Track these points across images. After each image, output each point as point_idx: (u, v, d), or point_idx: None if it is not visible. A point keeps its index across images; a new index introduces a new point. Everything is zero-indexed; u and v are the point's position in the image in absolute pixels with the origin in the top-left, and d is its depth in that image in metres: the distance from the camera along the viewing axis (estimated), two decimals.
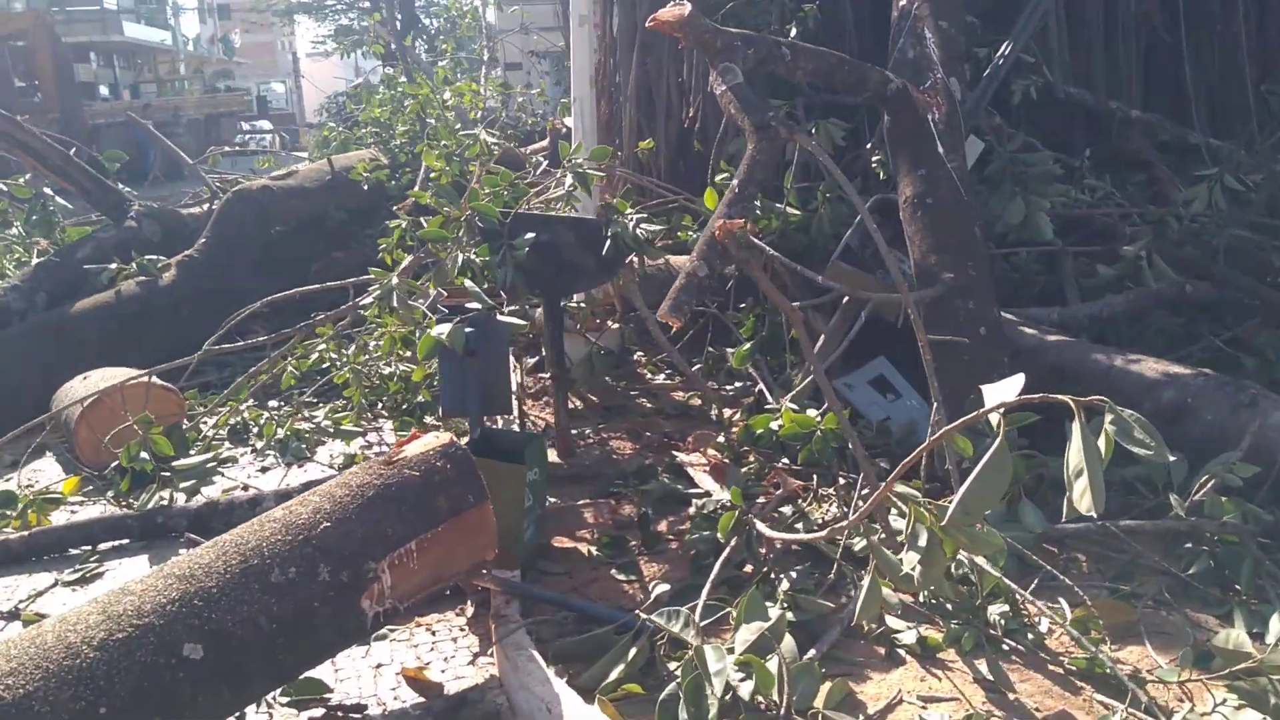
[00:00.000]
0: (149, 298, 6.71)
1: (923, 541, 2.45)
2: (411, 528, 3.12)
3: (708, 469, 4.37)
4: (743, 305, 5.66)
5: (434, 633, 3.47)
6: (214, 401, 5.66)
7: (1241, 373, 4.79)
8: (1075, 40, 7.62)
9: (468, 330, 3.77)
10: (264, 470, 5.07)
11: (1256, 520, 3.38)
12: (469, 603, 3.56)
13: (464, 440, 3.47)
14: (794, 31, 5.97)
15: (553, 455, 4.71)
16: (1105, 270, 5.31)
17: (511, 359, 4.04)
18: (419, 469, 3.21)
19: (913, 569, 2.50)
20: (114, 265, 6.82)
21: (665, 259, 5.93)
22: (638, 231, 4.30)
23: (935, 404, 4.15)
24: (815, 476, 4.19)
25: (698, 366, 5.55)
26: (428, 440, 3.31)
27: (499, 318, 3.89)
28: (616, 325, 6.05)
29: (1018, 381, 2.16)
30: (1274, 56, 8.85)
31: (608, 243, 4.32)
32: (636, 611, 3.15)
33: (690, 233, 5.70)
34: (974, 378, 4.13)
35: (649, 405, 5.54)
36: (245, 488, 4.67)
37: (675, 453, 4.68)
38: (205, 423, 5.50)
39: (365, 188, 7.88)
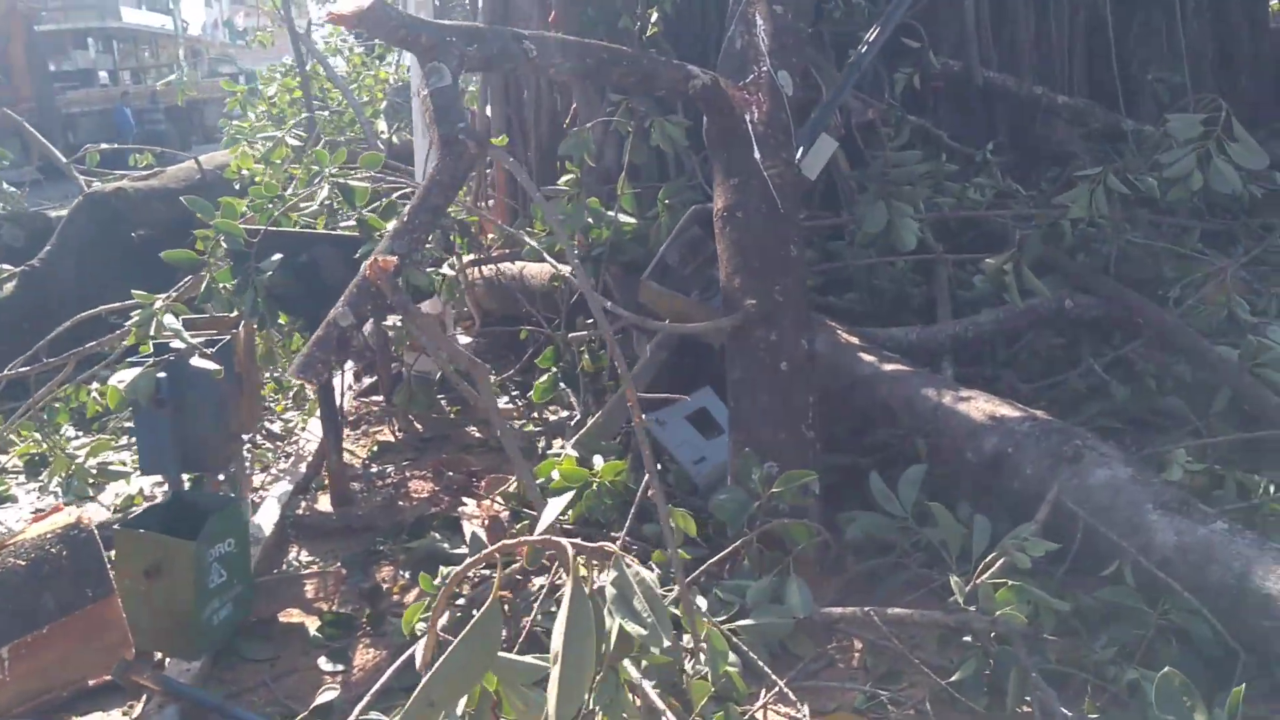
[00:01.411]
0: None
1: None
2: (3, 631, 2.61)
3: (484, 523, 3.83)
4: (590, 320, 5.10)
5: None
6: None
7: (1111, 405, 4.21)
8: (1001, 20, 6.98)
9: (159, 376, 3.25)
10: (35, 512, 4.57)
11: (1046, 612, 2.79)
12: (134, 701, 3.04)
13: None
14: (654, 16, 5.41)
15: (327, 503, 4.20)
16: (980, 283, 4.70)
17: (233, 400, 3.50)
18: (27, 557, 2.69)
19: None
20: None
21: (523, 268, 5.42)
22: None
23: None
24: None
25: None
26: (56, 519, 2.79)
27: (197, 362, 3.35)
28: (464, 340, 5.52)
29: None
30: (1233, 39, 8.20)
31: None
32: None
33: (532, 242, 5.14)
34: (770, 419, 3.64)
35: (477, 434, 5.00)
36: None
37: (467, 500, 4.15)
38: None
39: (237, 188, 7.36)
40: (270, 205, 4.14)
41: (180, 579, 3.04)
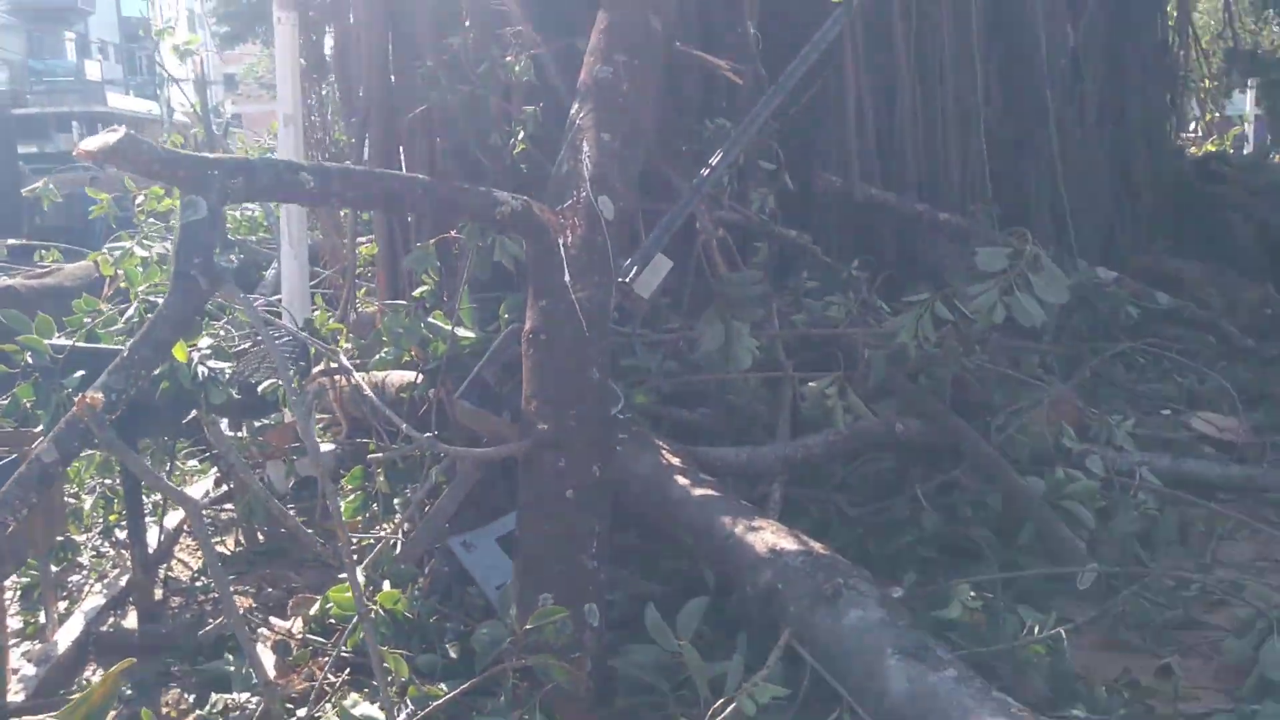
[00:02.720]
0: None
1: None
2: None
3: (272, 646, 3.79)
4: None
5: None
6: None
7: (924, 533, 4.22)
8: (889, 135, 7.12)
9: None
10: None
11: None
12: None
13: None
14: (521, 134, 5.49)
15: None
16: (804, 407, 4.72)
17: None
18: None
19: None
20: None
21: (385, 376, 5.42)
22: (200, 369, 3.76)
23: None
24: None
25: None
26: None
27: None
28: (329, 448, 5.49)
29: None
30: (1132, 155, 8.36)
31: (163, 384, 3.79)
32: None
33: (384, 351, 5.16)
34: (551, 547, 3.62)
35: (313, 548, 4.95)
36: None
37: (275, 619, 4.10)
38: None
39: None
40: (88, 320, 4.17)
41: None
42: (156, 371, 3.93)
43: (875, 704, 2.86)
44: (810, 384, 4.53)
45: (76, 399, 2.58)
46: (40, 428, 3.92)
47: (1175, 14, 9.18)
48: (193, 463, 5.98)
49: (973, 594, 3.53)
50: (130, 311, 4.16)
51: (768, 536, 3.61)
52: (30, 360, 3.91)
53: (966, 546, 4.28)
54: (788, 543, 3.55)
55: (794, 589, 3.32)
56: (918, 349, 4.80)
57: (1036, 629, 3.29)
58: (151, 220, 6.85)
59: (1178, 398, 5.89)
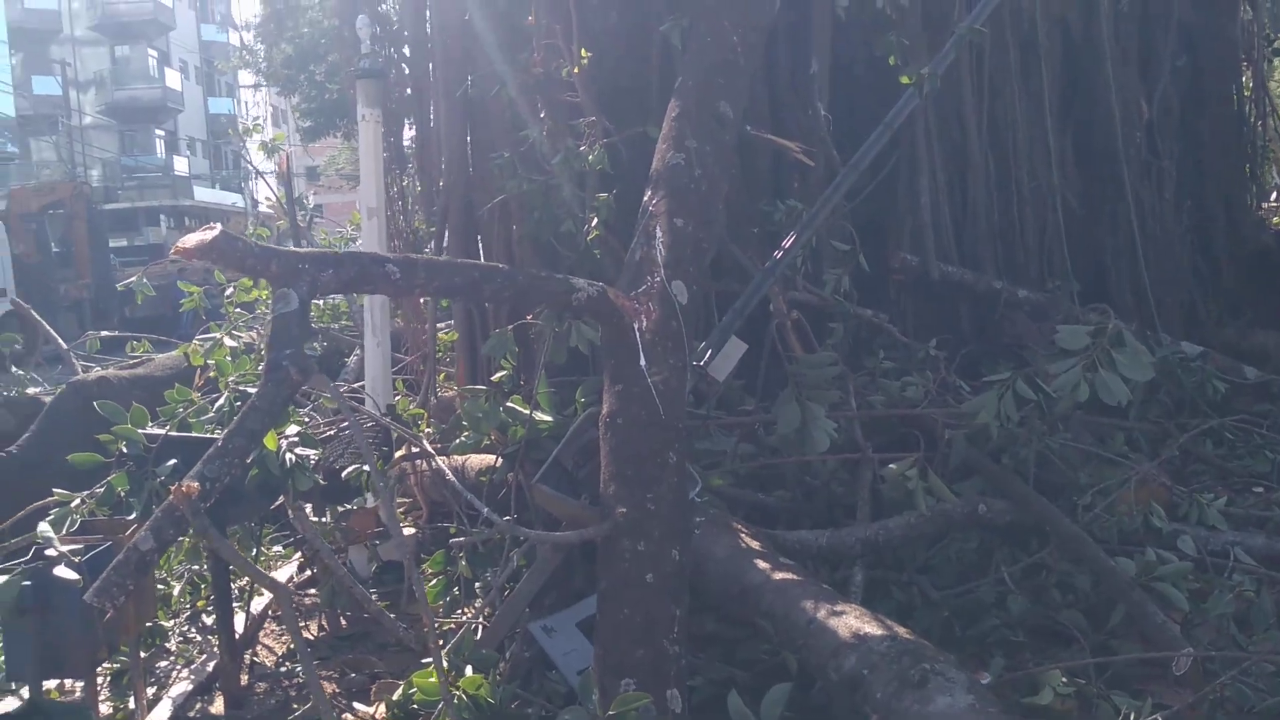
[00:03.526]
0: None
1: None
2: None
3: None
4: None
5: None
6: None
7: (1010, 616, 4.12)
8: (964, 213, 7.10)
9: (24, 584, 3.33)
10: None
11: None
12: None
13: None
14: (595, 221, 5.59)
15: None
16: (885, 489, 4.68)
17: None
18: None
19: None
20: None
21: (465, 460, 5.48)
22: (288, 456, 3.85)
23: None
24: None
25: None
26: None
27: (60, 571, 3.44)
28: (410, 532, 5.55)
29: None
30: (1211, 226, 8.23)
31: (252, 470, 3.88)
32: None
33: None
34: (631, 632, 3.60)
35: (395, 633, 4.99)
36: None
37: (358, 706, 4.12)
38: None
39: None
40: (181, 409, 4.30)
41: None
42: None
43: None
44: (890, 466, 4.49)
45: (173, 488, 2.65)
46: (134, 515, 4.02)
47: (1250, 84, 9.08)
48: (277, 548, 6.07)
49: (1064, 679, 3.44)
50: (221, 401, 4.28)
51: (851, 621, 3.56)
52: (125, 449, 4.03)
53: (1054, 630, 4.18)
54: (872, 627, 3.49)
55: (879, 675, 3.26)
56: (999, 428, 4.75)
57: (1132, 716, 3.19)
58: (238, 310, 7.04)
59: (1269, 474, 5.72)
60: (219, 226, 3.06)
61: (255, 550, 5.30)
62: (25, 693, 4.19)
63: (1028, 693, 3.43)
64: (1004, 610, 4.17)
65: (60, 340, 8.56)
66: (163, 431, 4.13)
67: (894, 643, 3.39)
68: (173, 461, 3.93)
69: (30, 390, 8.44)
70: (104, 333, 8.22)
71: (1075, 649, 3.99)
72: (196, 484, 2.65)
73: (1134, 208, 7.34)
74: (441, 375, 7.20)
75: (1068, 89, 7.43)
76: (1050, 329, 6.69)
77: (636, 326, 4.09)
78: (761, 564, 4.10)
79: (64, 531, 4.09)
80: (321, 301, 8.83)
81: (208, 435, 4.36)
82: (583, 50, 5.46)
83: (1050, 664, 3.58)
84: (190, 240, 3.03)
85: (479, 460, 5.28)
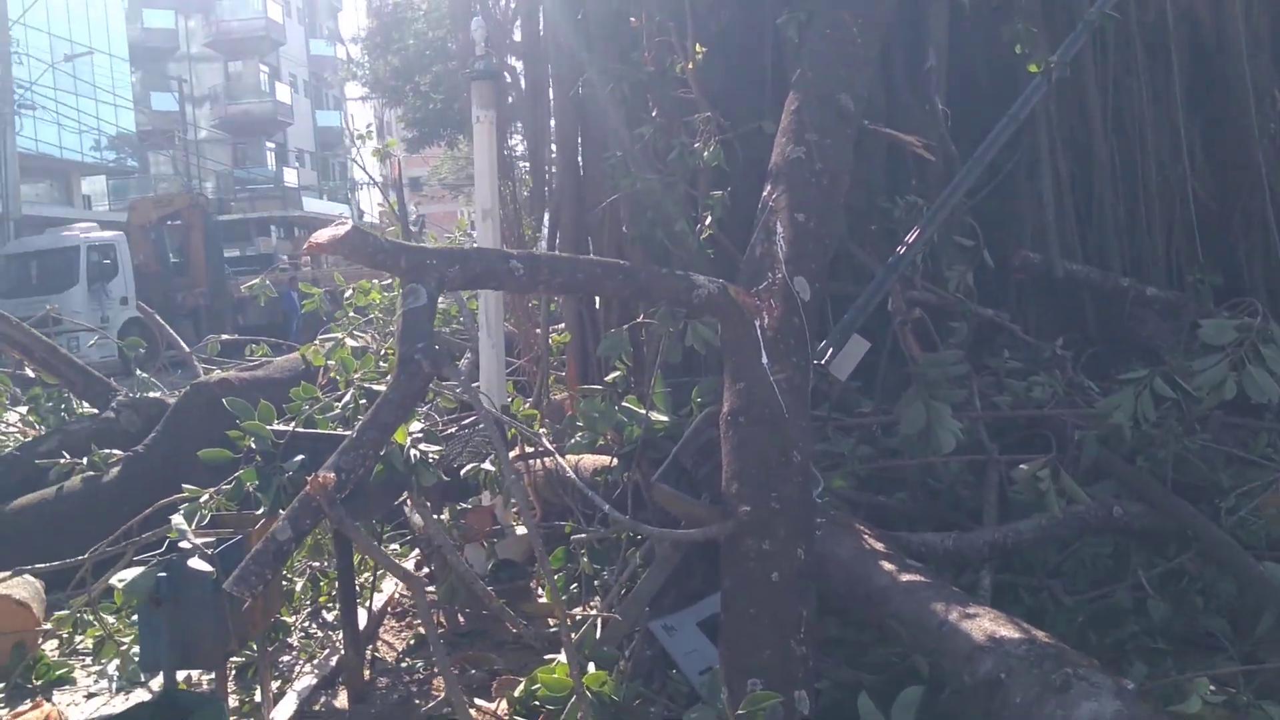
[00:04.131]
0: (92, 494, 6.63)
1: None
2: None
3: None
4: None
5: None
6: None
7: (1151, 622, 3.95)
8: (1088, 210, 6.88)
9: (160, 576, 3.39)
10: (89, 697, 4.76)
11: None
12: None
13: None
14: (709, 219, 5.53)
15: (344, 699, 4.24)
16: (1014, 491, 4.52)
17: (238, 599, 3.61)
18: None
19: None
20: (64, 459, 6.79)
21: (578, 460, 5.48)
22: (413, 453, 3.87)
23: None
24: None
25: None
26: (29, 717, 2.92)
27: (193, 563, 3.49)
28: (522, 530, 5.56)
29: None
30: None
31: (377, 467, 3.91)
32: None
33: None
34: (757, 632, 3.53)
35: (517, 630, 4.99)
36: None
37: (479, 702, 4.13)
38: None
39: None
40: (306, 406, 4.36)
41: None
42: None
43: None
44: (1021, 467, 4.33)
45: (309, 479, 2.67)
46: (262, 510, 4.09)
47: None
48: (394, 546, 6.14)
49: (1212, 688, 3.27)
50: (346, 398, 4.33)
51: (985, 624, 3.44)
52: (253, 445, 4.09)
53: (1196, 638, 4.00)
54: (1008, 630, 3.37)
55: (1018, 679, 3.14)
56: (1134, 429, 4.56)
57: None
58: (353, 314, 7.15)
59: None
60: (350, 222, 3.09)
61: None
62: (157, 684, 4.30)
63: (1173, 700, 3.27)
64: (1143, 616, 4.01)
65: (183, 344, 8.82)
66: (290, 428, 4.19)
67: (1033, 646, 3.26)
68: (300, 457, 3.98)
69: (153, 394, 8.68)
70: (224, 336, 8.45)
71: (1220, 657, 3.80)
72: (332, 475, 2.67)
73: (1269, 201, 7.01)
74: (552, 379, 7.21)
75: (1196, 80, 7.13)
76: (1181, 328, 6.48)
77: (758, 323, 4.03)
78: (888, 565, 4.00)
79: (194, 526, 4.17)
80: None
81: (334, 431, 4.42)
82: (696, 46, 5.41)
83: (1196, 672, 3.40)
84: (323, 235, 3.06)
85: (593, 460, 5.26)
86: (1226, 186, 7.07)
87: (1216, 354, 3.90)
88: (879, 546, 4.18)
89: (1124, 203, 6.81)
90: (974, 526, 4.61)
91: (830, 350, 4.56)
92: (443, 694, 4.34)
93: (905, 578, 3.89)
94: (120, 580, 3.37)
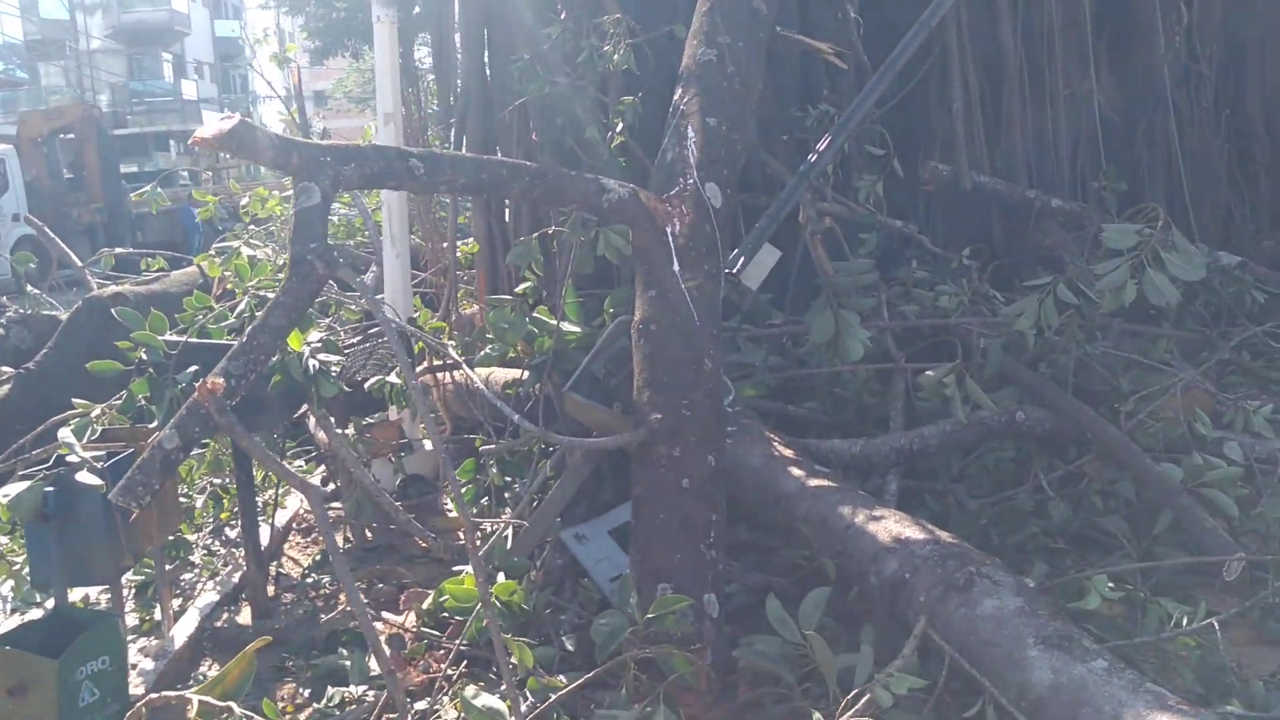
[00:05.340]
0: None
1: None
2: None
3: (386, 641, 3.75)
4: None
5: None
6: None
7: (1052, 524, 4.04)
8: (997, 123, 6.90)
9: (46, 490, 3.26)
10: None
11: None
12: None
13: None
14: (620, 126, 5.42)
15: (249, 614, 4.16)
16: (918, 397, 4.57)
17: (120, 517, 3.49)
18: None
19: None
20: None
21: (489, 374, 5.39)
22: (311, 362, 3.75)
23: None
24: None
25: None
26: None
27: (82, 477, 3.36)
28: (429, 445, 5.48)
29: None
30: (1250, 139, 7.99)
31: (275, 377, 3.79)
32: None
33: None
34: (667, 537, 3.52)
35: (426, 544, 4.93)
36: None
37: (388, 614, 4.07)
38: None
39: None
40: (200, 317, 4.20)
41: (44, 698, 3.01)
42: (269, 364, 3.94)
43: (1017, 696, 2.71)
44: (927, 373, 4.36)
45: (198, 385, 2.55)
46: (155, 423, 3.95)
47: None
48: (298, 463, 6.01)
49: (1110, 585, 3.36)
50: (241, 306, 4.18)
51: (891, 525, 3.48)
52: (144, 357, 3.94)
53: (1095, 538, 4.10)
54: (913, 531, 3.41)
55: (923, 578, 3.18)
56: (1037, 337, 4.62)
57: (1185, 621, 3.11)
58: (251, 226, 6.92)
59: None
60: (238, 115, 2.93)
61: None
62: (51, 602, 4.17)
63: (1073, 598, 3.35)
64: (1044, 518, 4.10)
65: (76, 259, 8.46)
66: (182, 339, 4.03)
67: (937, 546, 3.31)
68: (193, 368, 3.84)
69: (46, 310, 8.37)
70: (118, 250, 8.12)
71: (1118, 556, 3.90)
72: (221, 380, 2.56)
73: (1173, 116, 7.12)
74: (461, 292, 7.08)
75: None
76: (1084, 239, 6.58)
77: (669, 230, 3.96)
78: (796, 471, 4.02)
79: (85, 440, 4.01)
80: (336, 217, 8.69)
81: (228, 341, 4.26)
82: None
83: (1095, 570, 3.48)
84: (209, 129, 2.90)
85: (503, 374, 5.17)
86: (1132, 101, 7.15)
87: (1118, 259, 3.93)
88: (788, 453, 4.20)
89: (1032, 115, 6.85)
90: (881, 433, 4.66)
91: (741, 259, 4.51)
92: (346, 609, 4.28)
93: (813, 483, 3.92)
94: (4, 496, 3.23)
